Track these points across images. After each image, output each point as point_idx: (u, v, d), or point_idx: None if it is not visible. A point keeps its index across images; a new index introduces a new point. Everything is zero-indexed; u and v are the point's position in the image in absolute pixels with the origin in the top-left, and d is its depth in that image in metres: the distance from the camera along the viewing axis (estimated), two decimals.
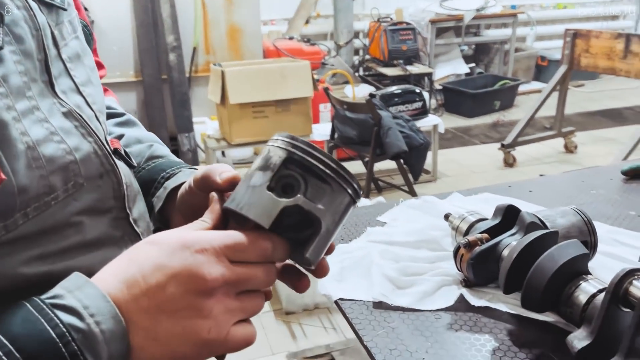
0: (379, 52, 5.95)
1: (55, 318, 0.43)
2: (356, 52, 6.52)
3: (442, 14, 6.25)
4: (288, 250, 0.53)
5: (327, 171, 0.52)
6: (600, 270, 0.97)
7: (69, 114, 0.57)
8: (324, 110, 4.63)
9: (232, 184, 0.57)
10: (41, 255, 0.52)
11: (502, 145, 4.58)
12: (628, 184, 1.42)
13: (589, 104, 6.27)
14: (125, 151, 0.68)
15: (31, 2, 0.55)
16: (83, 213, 0.56)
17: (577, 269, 0.84)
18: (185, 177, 0.70)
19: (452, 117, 6.03)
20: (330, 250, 0.58)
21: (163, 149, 0.79)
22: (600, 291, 0.80)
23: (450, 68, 6.48)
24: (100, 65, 0.86)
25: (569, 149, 4.83)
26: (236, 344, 0.50)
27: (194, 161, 4.43)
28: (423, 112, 4.22)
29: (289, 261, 0.58)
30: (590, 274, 0.85)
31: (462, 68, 6.54)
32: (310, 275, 0.59)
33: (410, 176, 3.70)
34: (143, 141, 0.79)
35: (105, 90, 0.86)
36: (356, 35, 6.36)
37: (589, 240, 1.01)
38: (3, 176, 0.46)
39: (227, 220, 0.56)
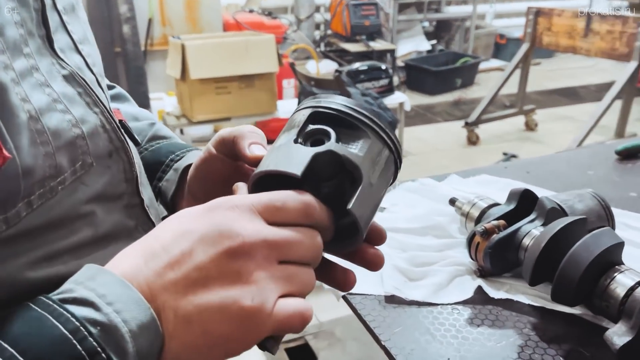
0: (341, 27, 5.83)
1: (65, 313, 0.35)
2: (317, 26, 6.37)
3: None
4: (330, 212, 0.44)
5: (359, 117, 0.46)
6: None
7: (70, 78, 0.46)
8: (288, 87, 4.49)
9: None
10: (48, 254, 0.42)
11: (466, 124, 4.58)
12: (623, 164, 1.39)
13: (547, 82, 6.37)
14: (126, 124, 0.57)
15: None
16: (94, 200, 0.46)
17: (611, 260, 0.78)
18: (195, 157, 0.60)
19: (415, 95, 6.01)
20: (381, 238, 0.50)
21: (166, 129, 0.68)
22: (639, 283, 0.75)
23: (412, 44, 6.43)
24: None
25: (530, 126, 4.88)
26: (287, 320, 0.39)
27: None
28: (389, 89, 4.15)
29: (328, 256, 0.49)
30: (624, 264, 0.79)
31: (424, 45, 6.50)
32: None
33: None
34: (140, 118, 0.67)
35: None
36: (317, 9, 6.20)
37: (607, 226, 0.96)
38: (7, 154, 0.36)
39: None
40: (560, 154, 1.53)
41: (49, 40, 0.45)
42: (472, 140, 4.60)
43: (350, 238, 0.46)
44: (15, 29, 0.41)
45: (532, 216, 0.93)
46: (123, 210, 0.49)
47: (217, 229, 0.39)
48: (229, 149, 0.52)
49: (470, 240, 0.94)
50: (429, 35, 6.72)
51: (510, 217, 0.95)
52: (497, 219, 0.95)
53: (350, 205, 0.43)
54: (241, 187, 0.46)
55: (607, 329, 0.77)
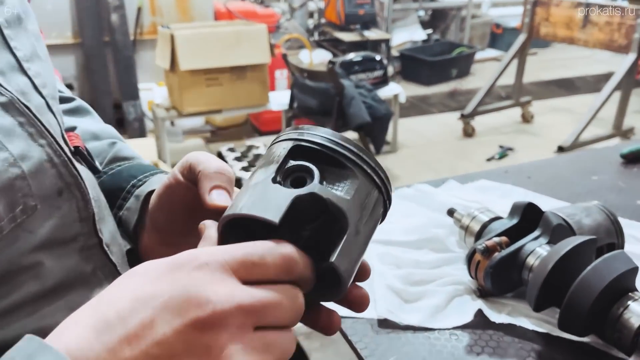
0: (335, 16, 5.72)
1: None
2: (311, 15, 6.25)
3: None
4: (311, 263, 0.38)
5: (346, 153, 0.40)
6: None
7: (9, 106, 0.39)
8: (280, 77, 4.40)
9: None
10: None
11: (462, 116, 4.51)
12: (629, 168, 1.32)
13: (543, 73, 6.29)
14: (87, 150, 0.50)
15: None
16: (40, 249, 0.39)
17: (624, 286, 0.72)
18: (159, 182, 0.52)
19: (410, 85, 5.91)
20: (365, 274, 0.44)
21: (129, 149, 0.60)
22: None
23: (407, 34, 6.32)
24: None
25: (526, 118, 4.81)
26: None
27: (140, 131, 4.13)
28: (384, 80, 4.07)
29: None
30: (638, 291, 0.73)
31: (420, 34, 6.40)
32: None
33: (372, 148, 3.57)
34: (101, 137, 0.59)
35: None
36: None
37: (617, 242, 0.90)
38: None
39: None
40: (563, 156, 1.47)
41: None
42: (468, 133, 4.52)
43: (331, 289, 0.40)
44: None
45: (536, 232, 0.86)
46: (77, 254, 0.42)
47: (183, 294, 0.33)
48: (193, 175, 0.45)
49: (470, 257, 0.88)
50: (424, 25, 6.61)
51: (513, 233, 0.89)
52: (499, 234, 0.88)
53: (333, 259, 0.37)
54: (209, 226, 0.40)
55: (620, 359, 0.71)
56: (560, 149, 3.64)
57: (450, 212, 1.02)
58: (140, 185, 0.53)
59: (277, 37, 5.01)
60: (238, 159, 3.20)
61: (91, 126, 0.60)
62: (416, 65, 5.93)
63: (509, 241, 0.86)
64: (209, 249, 0.36)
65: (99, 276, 0.43)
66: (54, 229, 0.40)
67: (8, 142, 0.37)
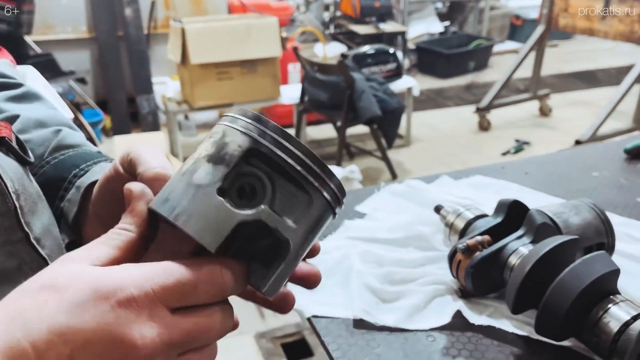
0: (351, 9, 5.67)
1: None
2: (326, 8, 6.21)
3: None
4: (247, 276, 0.37)
5: (305, 174, 0.36)
6: (620, 277, 0.82)
7: None
8: (293, 71, 4.38)
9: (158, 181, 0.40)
10: None
11: (478, 109, 4.43)
12: (632, 164, 1.28)
13: (563, 65, 6.15)
14: (18, 140, 0.48)
15: None
16: None
17: (605, 289, 0.69)
18: (102, 171, 0.50)
19: (426, 78, 5.85)
20: (313, 253, 0.44)
21: (75, 136, 0.57)
22: (634, 318, 0.65)
23: (424, 26, 6.24)
24: None
25: (544, 112, 4.71)
26: None
27: (154, 125, 4.15)
28: (397, 73, 4.02)
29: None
30: (620, 294, 0.70)
31: (436, 27, 6.31)
32: None
33: (383, 142, 3.53)
34: (47, 124, 0.57)
35: None
36: None
37: (607, 242, 0.86)
38: None
39: (156, 222, 0.38)
40: (563, 152, 1.42)
41: None
42: (484, 126, 4.45)
43: (258, 289, 0.38)
44: None
45: (520, 231, 0.83)
46: (0, 250, 0.40)
47: (106, 335, 0.31)
48: (133, 171, 0.43)
49: (451, 257, 0.85)
50: (441, 17, 6.52)
51: (498, 231, 0.86)
52: (482, 233, 0.85)
53: (263, 289, 0.36)
54: (137, 197, 0.38)
55: None
56: (578, 143, 3.56)
57: (437, 209, 0.99)
58: (82, 175, 0.51)
59: (291, 30, 4.99)
60: None
61: (37, 113, 0.57)
62: (432, 58, 5.85)
63: (492, 240, 0.83)
64: (137, 276, 0.33)
65: (25, 271, 0.41)
66: None
67: None
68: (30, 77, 1.80)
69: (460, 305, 0.83)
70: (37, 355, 0.30)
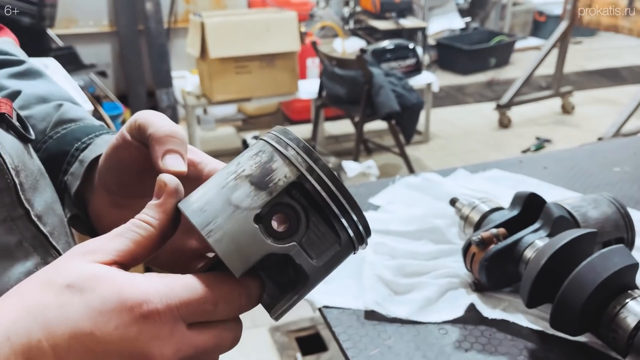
0: (371, 4, 5.63)
1: None
2: (346, 3, 6.19)
3: None
4: (262, 297, 0.37)
5: (341, 217, 0.36)
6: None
7: None
8: (312, 66, 4.36)
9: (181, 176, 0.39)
10: None
11: (498, 106, 4.38)
12: None
13: (587, 63, 6.04)
14: (19, 116, 0.47)
15: None
16: None
17: (623, 283, 0.67)
18: (107, 145, 0.49)
19: (446, 75, 5.79)
20: None
21: (77, 110, 0.57)
22: None
23: (445, 22, 6.18)
24: None
25: (566, 109, 4.64)
26: None
27: (173, 119, 4.17)
28: (416, 69, 3.99)
29: None
30: (638, 289, 0.68)
31: (458, 22, 6.24)
32: None
33: (401, 137, 3.51)
34: (49, 99, 0.56)
35: None
36: None
37: (626, 237, 0.84)
38: None
39: (178, 220, 0.38)
40: (584, 147, 1.39)
41: None
42: (504, 124, 4.39)
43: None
44: None
45: (537, 224, 0.81)
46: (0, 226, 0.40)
47: (128, 349, 0.31)
48: (142, 136, 0.42)
49: (466, 249, 0.84)
50: (462, 13, 6.44)
51: (514, 225, 0.84)
52: (497, 226, 0.84)
53: (274, 315, 0.37)
54: (166, 195, 0.37)
55: None
56: (599, 141, 3.49)
57: (453, 202, 0.98)
58: (85, 148, 0.51)
59: (310, 25, 4.98)
60: None
61: (39, 89, 0.57)
62: (453, 54, 5.79)
63: (507, 233, 0.82)
64: (161, 290, 0.33)
65: (25, 248, 0.41)
66: None
67: None
68: (52, 69, 1.82)
69: (473, 298, 0.81)
70: (57, 358, 0.30)
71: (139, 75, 4.22)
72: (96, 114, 2.58)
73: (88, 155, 0.50)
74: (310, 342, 2.37)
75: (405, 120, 3.43)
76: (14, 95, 0.55)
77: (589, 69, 5.91)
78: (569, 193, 1.08)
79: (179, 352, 0.33)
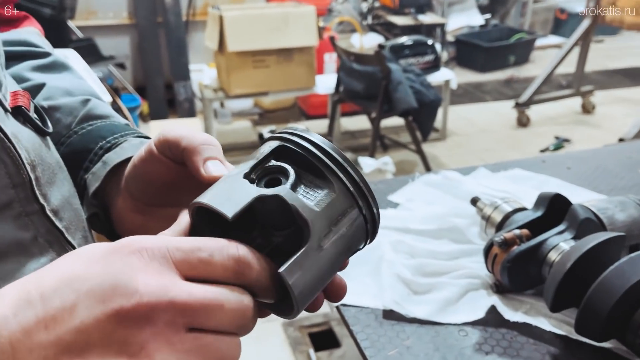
0: (389, 0, 5.60)
1: None
2: None
3: None
4: (270, 268, 0.35)
5: (329, 163, 0.37)
6: None
7: None
8: (329, 61, 4.35)
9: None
10: None
11: (517, 104, 4.32)
12: None
13: (609, 62, 5.94)
14: (38, 108, 0.47)
15: None
16: None
17: None
18: (133, 150, 0.50)
19: (464, 72, 5.73)
20: (339, 294, 0.39)
21: (104, 107, 0.56)
22: None
23: (464, 19, 6.11)
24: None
25: (587, 109, 4.56)
26: None
27: (190, 112, 4.20)
28: (435, 65, 3.94)
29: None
30: None
31: (477, 19, 6.17)
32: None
33: (418, 134, 3.48)
34: (74, 93, 0.56)
35: (23, 19, 0.62)
36: None
37: None
38: None
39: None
40: (608, 147, 1.36)
41: None
42: (522, 122, 4.34)
43: (286, 305, 0.36)
44: None
45: (562, 226, 0.79)
46: (12, 221, 0.39)
47: (111, 281, 0.30)
48: (174, 153, 0.42)
49: (487, 250, 0.82)
50: (482, 9, 6.36)
51: (537, 226, 0.82)
52: (521, 227, 0.82)
53: (282, 269, 0.34)
54: (184, 213, 0.38)
55: None
56: (621, 142, 3.43)
57: (474, 201, 0.96)
58: (109, 148, 0.51)
59: (328, 19, 4.95)
60: None
61: (64, 82, 0.56)
62: (472, 51, 5.73)
63: (531, 234, 0.80)
64: (156, 237, 0.33)
65: (40, 243, 0.41)
66: None
67: None
68: (72, 60, 1.83)
69: (494, 300, 0.80)
70: (42, 302, 0.29)
71: (157, 68, 4.24)
72: (114, 106, 2.60)
73: (113, 158, 0.50)
74: (323, 338, 2.36)
75: (423, 117, 3.40)
76: (37, 88, 0.55)
77: (610, 68, 5.81)
78: (593, 194, 1.06)
79: (169, 292, 0.30)
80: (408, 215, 0.99)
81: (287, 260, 0.34)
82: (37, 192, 0.40)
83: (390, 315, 0.79)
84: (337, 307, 0.81)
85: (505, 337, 0.75)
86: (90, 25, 4.11)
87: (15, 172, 0.39)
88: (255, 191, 0.35)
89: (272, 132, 0.41)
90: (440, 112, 3.72)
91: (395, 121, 3.91)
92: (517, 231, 0.80)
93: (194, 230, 0.38)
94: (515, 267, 0.78)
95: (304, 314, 0.39)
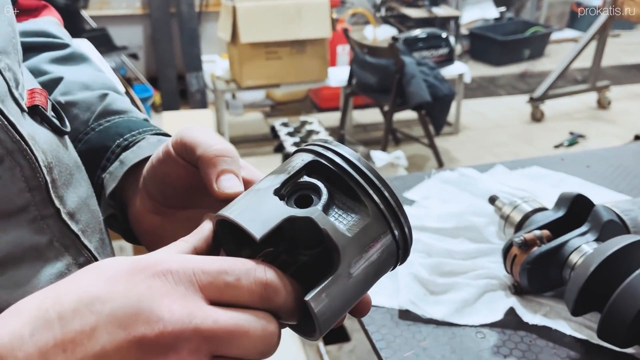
0: None
1: None
2: None
3: None
4: (296, 292, 0.33)
5: (364, 185, 0.35)
6: None
7: None
8: (342, 53, 4.32)
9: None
10: None
11: (531, 99, 4.27)
12: None
13: (625, 57, 5.85)
14: (55, 106, 0.45)
15: None
16: None
17: None
18: (151, 148, 0.48)
19: (478, 65, 5.67)
20: (363, 310, 0.38)
21: (122, 101, 0.54)
22: None
23: (479, 12, 6.04)
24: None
25: (602, 104, 4.50)
26: None
27: (202, 103, 4.19)
28: (449, 59, 3.90)
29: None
30: None
31: (492, 12, 6.09)
32: None
33: (431, 128, 3.45)
34: (92, 87, 0.54)
35: (42, 8, 0.61)
36: None
37: None
38: None
39: (218, 247, 0.37)
40: (630, 145, 1.33)
41: None
42: (537, 117, 4.29)
43: (309, 328, 0.35)
44: None
45: (584, 228, 0.77)
46: (28, 225, 0.38)
47: (133, 305, 0.29)
48: (190, 158, 0.41)
49: (506, 250, 0.80)
50: (497, 2, 6.28)
51: (558, 227, 0.80)
52: (541, 227, 0.80)
53: (309, 297, 0.32)
54: (206, 221, 0.37)
55: None
56: (637, 139, 3.38)
57: (492, 200, 0.94)
58: (127, 146, 0.50)
59: (341, 11, 4.92)
60: (291, 134, 3.17)
61: (82, 76, 0.55)
62: (486, 45, 5.67)
63: (552, 235, 0.78)
64: (181, 258, 0.32)
65: (56, 248, 0.39)
66: None
67: None
68: (85, 50, 1.82)
69: (513, 302, 0.78)
70: (61, 324, 0.28)
71: (170, 58, 4.23)
72: (127, 96, 2.60)
73: (130, 157, 0.48)
74: (333, 331, 2.36)
75: (436, 111, 3.37)
76: (55, 82, 0.53)
77: (626, 63, 5.73)
78: (614, 194, 1.03)
79: (195, 319, 0.29)
80: (424, 213, 0.98)
81: (314, 287, 0.33)
82: (53, 195, 0.39)
83: (406, 315, 0.77)
84: None
85: (524, 340, 0.73)
86: (103, 15, 4.11)
87: (32, 175, 0.37)
88: (285, 211, 0.34)
89: (300, 143, 0.39)
90: (453, 106, 3.69)
91: (408, 115, 3.88)
92: (538, 232, 0.78)
93: (217, 239, 0.36)
94: (535, 268, 0.76)
95: None
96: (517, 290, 0.80)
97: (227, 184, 0.38)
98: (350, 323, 2.39)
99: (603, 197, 0.98)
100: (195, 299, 0.30)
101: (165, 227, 0.46)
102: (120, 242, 2.29)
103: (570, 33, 6.47)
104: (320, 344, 2.25)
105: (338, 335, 2.34)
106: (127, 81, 3.63)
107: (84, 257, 0.42)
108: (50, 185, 0.39)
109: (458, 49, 5.51)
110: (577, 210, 0.81)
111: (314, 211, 0.34)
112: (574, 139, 3.89)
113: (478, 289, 0.80)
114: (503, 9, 6.22)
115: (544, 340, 0.73)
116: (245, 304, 0.32)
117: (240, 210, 0.34)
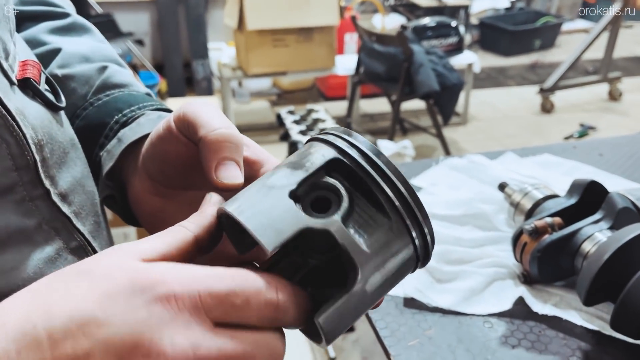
0: None
1: None
2: None
3: None
4: (306, 305, 0.31)
5: (393, 198, 0.32)
6: None
7: None
8: (350, 41, 4.27)
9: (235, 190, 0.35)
10: None
11: (541, 90, 4.21)
12: None
13: (637, 48, 5.77)
14: (50, 80, 0.43)
15: None
16: None
17: None
18: (150, 125, 0.45)
19: (488, 55, 5.61)
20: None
21: (122, 74, 0.51)
22: None
23: (489, 1, 5.96)
24: None
25: (613, 96, 4.44)
26: None
27: (208, 90, 4.16)
28: (458, 48, 3.85)
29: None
30: None
31: (502, 2, 6.01)
32: None
33: (439, 118, 3.41)
34: (92, 59, 0.51)
35: None
36: None
37: None
38: None
39: (220, 233, 0.34)
40: None
41: None
42: (546, 108, 4.23)
43: (317, 336, 0.32)
44: None
45: (597, 215, 0.75)
46: (14, 206, 0.35)
47: (132, 334, 0.26)
48: (192, 135, 0.38)
49: (516, 238, 0.78)
50: None
51: (570, 214, 0.78)
52: (552, 215, 0.77)
53: (319, 318, 0.30)
54: (210, 202, 0.34)
55: None
56: None
57: (502, 187, 0.91)
58: (125, 123, 0.47)
59: None
60: (297, 122, 3.14)
61: (82, 47, 0.52)
62: (496, 35, 5.60)
63: (563, 223, 0.76)
64: (186, 278, 0.28)
65: (45, 231, 0.37)
66: None
67: None
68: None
69: (522, 291, 0.76)
70: (51, 345, 0.25)
71: (176, 45, 4.20)
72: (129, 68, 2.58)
73: (128, 135, 0.45)
74: None
75: (445, 101, 3.33)
76: (53, 53, 0.50)
77: (639, 54, 5.64)
78: (628, 183, 1.00)
79: (199, 350, 0.27)
80: (432, 199, 0.95)
81: (325, 304, 0.30)
82: (43, 175, 0.36)
83: (411, 303, 0.75)
84: None
85: (533, 331, 0.71)
86: (109, 1, 4.08)
87: (19, 152, 0.35)
88: (302, 221, 0.31)
89: (319, 131, 0.34)
90: (462, 96, 3.64)
91: (416, 104, 3.84)
92: (549, 219, 0.75)
93: (219, 225, 0.33)
94: (546, 257, 0.73)
95: None
96: (527, 279, 0.78)
97: (227, 173, 0.35)
98: None
99: (617, 186, 0.95)
100: (199, 325, 0.28)
101: (167, 209, 0.43)
102: (124, 229, 2.28)
103: (581, 23, 6.38)
104: None
105: None
106: (133, 68, 3.61)
107: (76, 242, 0.39)
108: (39, 164, 0.36)
109: (468, 38, 5.44)
110: (590, 197, 0.78)
111: (333, 223, 0.31)
112: (584, 131, 3.84)
113: (486, 277, 0.78)
114: None
115: (554, 330, 0.71)
116: (252, 325, 0.29)
117: (251, 213, 0.31)
